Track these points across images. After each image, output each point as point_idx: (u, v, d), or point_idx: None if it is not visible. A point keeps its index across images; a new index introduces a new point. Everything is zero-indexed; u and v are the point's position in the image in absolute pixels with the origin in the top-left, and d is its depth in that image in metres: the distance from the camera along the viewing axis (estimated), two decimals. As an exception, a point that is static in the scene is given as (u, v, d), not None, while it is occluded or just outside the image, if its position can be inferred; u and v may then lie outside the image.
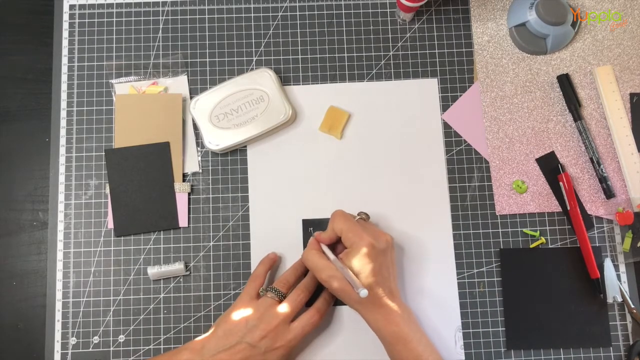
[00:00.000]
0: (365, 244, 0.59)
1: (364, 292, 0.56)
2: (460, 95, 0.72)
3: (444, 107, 0.72)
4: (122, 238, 0.68)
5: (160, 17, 0.73)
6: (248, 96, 0.69)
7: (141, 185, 0.69)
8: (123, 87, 0.71)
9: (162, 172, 0.69)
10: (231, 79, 0.70)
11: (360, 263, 0.59)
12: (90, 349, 0.66)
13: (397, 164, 0.70)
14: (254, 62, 0.73)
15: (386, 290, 0.60)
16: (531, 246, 0.69)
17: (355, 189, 0.70)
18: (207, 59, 0.72)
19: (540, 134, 0.71)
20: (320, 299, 0.64)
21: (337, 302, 0.67)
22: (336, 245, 0.65)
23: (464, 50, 0.73)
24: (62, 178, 0.69)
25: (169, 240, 0.68)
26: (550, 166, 0.70)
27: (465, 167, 0.70)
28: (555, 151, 0.71)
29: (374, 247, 0.59)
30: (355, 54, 0.73)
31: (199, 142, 0.71)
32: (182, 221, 0.69)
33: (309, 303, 0.64)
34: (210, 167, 0.70)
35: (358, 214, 0.65)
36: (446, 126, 0.71)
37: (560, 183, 0.69)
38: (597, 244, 0.69)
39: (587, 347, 0.67)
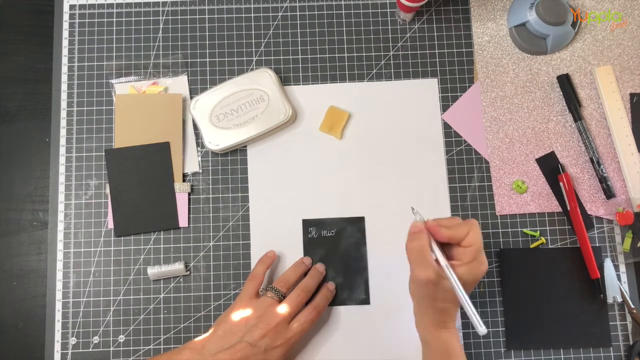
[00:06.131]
0: (484, 269, 0.56)
1: (483, 330, 0.54)
2: (460, 95, 0.72)
3: (444, 107, 0.72)
4: (122, 238, 0.68)
5: (160, 17, 0.73)
6: (248, 96, 0.69)
7: (141, 185, 0.69)
8: (123, 87, 0.71)
9: (162, 172, 0.69)
10: (231, 79, 0.70)
11: (470, 285, 0.56)
12: (90, 349, 0.66)
13: (397, 164, 0.70)
14: (254, 62, 0.73)
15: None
16: (531, 246, 0.69)
17: (355, 188, 0.70)
18: (207, 59, 0.72)
19: (540, 134, 0.71)
20: (319, 296, 0.64)
21: (335, 301, 0.67)
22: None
23: (464, 50, 0.73)
24: (62, 178, 0.69)
25: (169, 240, 0.68)
26: (550, 166, 0.70)
27: (465, 167, 0.70)
28: (555, 151, 0.71)
29: (484, 274, 0.57)
30: (355, 54, 0.73)
31: (199, 142, 0.71)
32: (182, 221, 0.69)
33: (307, 303, 0.64)
34: (210, 167, 0.70)
35: None
36: (446, 126, 0.71)
37: (560, 183, 0.69)
38: (597, 244, 0.69)
39: (587, 347, 0.67)
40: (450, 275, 0.55)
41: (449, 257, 0.57)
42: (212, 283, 0.68)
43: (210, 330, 0.61)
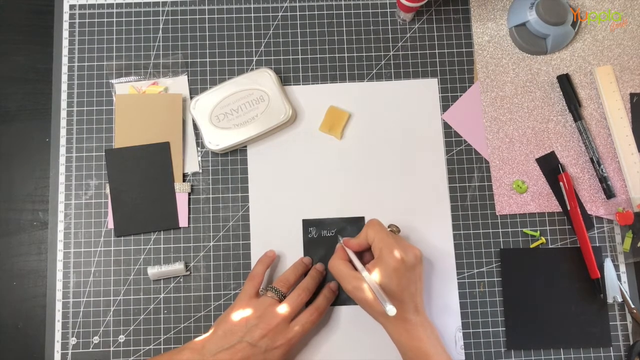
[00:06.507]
0: (395, 258, 0.58)
1: (392, 310, 0.54)
2: (460, 95, 0.72)
3: (444, 107, 0.72)
4: (122, 238, 0.68)
5: (160, 17, 0.73)
6: (248, 96, 0.69)
7: (141, 185, 0.69)
8: (123, 87, 0.71)
9: (162, 172, 0.69)
10: (231, 79, 0.70)
11: (389, 277, 0.58)
12: (90, 349, 0.66)
13: (397, 164, 0.70)
14: (254, 62, 0.73)
15: (411, 306, 0.59)
16: (531, 246, 0.69)
17: (355, 189, 0.70)
18: (207, 59, 0.72)
19: (540, 134, 0.71)
20: (320, 297, 0.64)
21: (336, 301, 0.67)
22: (363, 254, 0.64)
23: (464, 50, 0.73)
24: (62, 178, 0.69)
25: (169, 240, 0.68)
26: (550, 166, 0.70)
27: (465, 167, 0.71)
28: (555, 151, 0.71)
29: (404, 262, 0.58)
30: (355, 54, 0.73)
31: (199, 142, 0.71)
32: (182, 221, 0.69)
33: (308, 303, 0.64)
34: (210, 167, 0.70)
35: (389, 226, 0.64)
36: (446, 126, 0.71)
37: (561, 183, 0.69)
38: (597, 244, 0.69)
39: (587, 347, 0.67)
40: (362, 273, 0.59)
41: (369, 262, 0.61)
42: (212, 283, 0.68)
43: (210, 330, 0.61)
